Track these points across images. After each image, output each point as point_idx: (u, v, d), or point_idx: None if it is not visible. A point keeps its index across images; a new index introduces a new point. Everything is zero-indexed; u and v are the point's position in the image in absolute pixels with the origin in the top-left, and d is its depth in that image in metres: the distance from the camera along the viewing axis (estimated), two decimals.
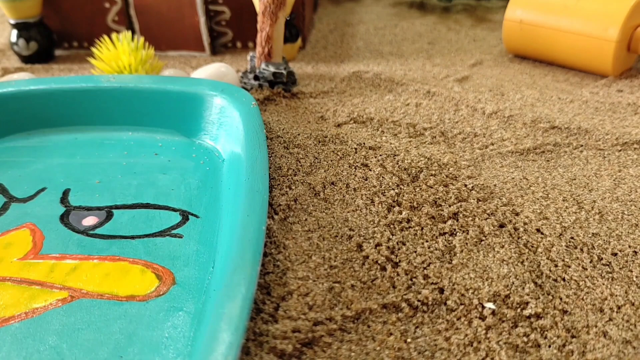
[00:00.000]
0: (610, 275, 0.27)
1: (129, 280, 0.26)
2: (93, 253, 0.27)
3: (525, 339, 0.23)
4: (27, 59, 0.56)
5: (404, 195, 0.31)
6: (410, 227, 0.29)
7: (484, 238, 0.29)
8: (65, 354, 0.22)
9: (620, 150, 0.39)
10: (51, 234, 0.29)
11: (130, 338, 0.23)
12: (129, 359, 0.22)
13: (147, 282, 0.26)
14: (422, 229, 0.29)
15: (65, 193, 0.32)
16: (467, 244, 0.28)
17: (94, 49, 0.45)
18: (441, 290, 0.26)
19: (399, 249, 0.28)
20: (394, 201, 0.31)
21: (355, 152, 0.36)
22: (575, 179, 0.35)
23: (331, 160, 0.35)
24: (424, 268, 0.27)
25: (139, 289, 0.25)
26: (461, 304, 0.25)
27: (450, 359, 0.22)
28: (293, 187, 0.32)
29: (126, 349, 0.22)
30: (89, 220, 0.30)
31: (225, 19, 0.56)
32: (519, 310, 0.25)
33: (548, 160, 0.38)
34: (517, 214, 0.31)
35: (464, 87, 0.50)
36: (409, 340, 0.23)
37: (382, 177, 0.33)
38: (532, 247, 0.28)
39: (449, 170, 0.35)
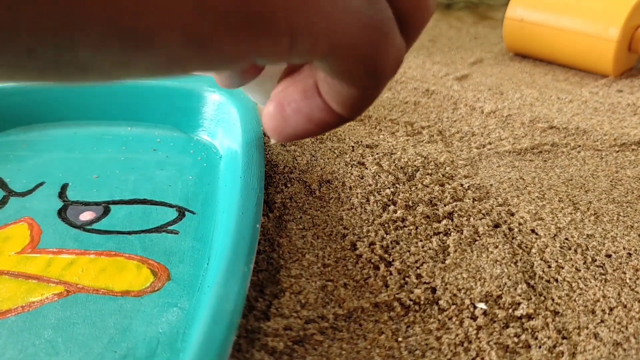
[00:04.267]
0: (603, 277, 0.27)
1: (124, 276, 0.26)
2: (90, 248, 0.28)
3: (515, 340, 0.23)
4: None
5: (399, 194, 0.32)
6: (404, 226, 0.30)
7: (478, 238, 0.29)
8: (60, 347, 0.22)
9: (618, 151, 0.39)
10: (49, 229, 0.29)
11: (125, 333, 0.23)
12: (123, 354, 0.22)
13: (142, 278, 0.26)
14: (416, 228, 0.29)
15: (64, 188, 0.32)
16: (461, 243, 0.29)
17: None
18: (433, 290, 0.26)
19: (392, 248, 0.28)
20: (389, 200, 0.31)
21: (352, 150, 0.36)
22: (571, 180, 0.35)
23: (328, 159, 0.35)
24: (417, 267, 0.27)
25: (134, 284, 0.25)
26: (453, 304, 0.25)
27: (440, 359, 0.22)
28: (289, 185, 0.32)
29: (120, 344, 0.22)
30: (86, 215, 0.30)
31: None
32: (510, 310, 0.25)
33: (545, 161, 0.38)
34: (512, 214, 0.31)
35: (464, 85, 0.50)
36: (400, 339, 0.23)
37: (378, 175, 0.33)
38: (526, 247, 0.29)
39: (445, 169, 0.35)
